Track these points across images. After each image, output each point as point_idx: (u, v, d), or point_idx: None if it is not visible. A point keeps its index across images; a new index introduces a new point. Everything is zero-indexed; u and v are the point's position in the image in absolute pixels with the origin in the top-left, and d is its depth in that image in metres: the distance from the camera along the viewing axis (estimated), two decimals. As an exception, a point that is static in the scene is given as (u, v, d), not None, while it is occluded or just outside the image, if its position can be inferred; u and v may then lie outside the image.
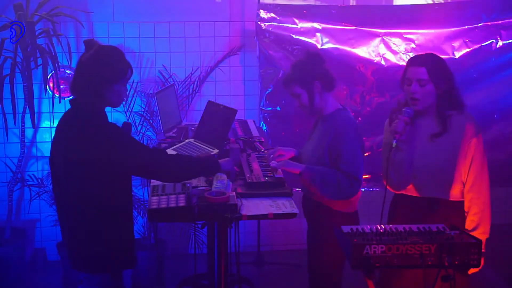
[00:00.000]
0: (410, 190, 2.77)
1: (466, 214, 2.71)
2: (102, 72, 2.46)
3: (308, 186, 2.84)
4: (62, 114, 2.60)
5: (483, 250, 2.61)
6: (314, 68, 2.83)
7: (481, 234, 2.65)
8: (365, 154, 3.40)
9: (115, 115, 4.43)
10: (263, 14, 4.27)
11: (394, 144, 2.63)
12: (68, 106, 2.56)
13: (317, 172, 2.77)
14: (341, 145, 2.76)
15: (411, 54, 4.30)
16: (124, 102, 4.30)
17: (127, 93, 2.84)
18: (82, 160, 2.42)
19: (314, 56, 2.89)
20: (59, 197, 2.60)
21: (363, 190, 3.28)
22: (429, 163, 2.70)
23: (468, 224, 2.69)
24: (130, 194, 2.65)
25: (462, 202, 2.73)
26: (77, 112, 2.51)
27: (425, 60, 2.68)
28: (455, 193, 2.71)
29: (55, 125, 4.44)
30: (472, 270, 2.65)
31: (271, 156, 2.95)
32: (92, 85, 2.46)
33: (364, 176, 2.93)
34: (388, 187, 2.76)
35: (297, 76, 2.83)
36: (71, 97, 2.55)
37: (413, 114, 2.68)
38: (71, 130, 2.49)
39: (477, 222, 2.67)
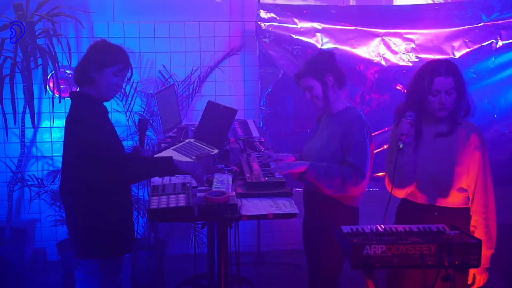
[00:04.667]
0: (413, 196, 2.77)
1: (471, 228, 2.69)
2: (95, 54, 2.60)
3: (313, 182, 2.86)
4: (63, 113, 2.65)
5: (487, 266, 2.61)
6: (327, 62, 2.93)
7: (488, 249, 2.63)
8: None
9: (115, 115, 4.42)
10: (263, 14, 4.27)
11: (401, 145, 2.65)
12: (68, 106, 2.61)
13: (321, 167, 2.82)
14: (351, 138, 2.83)
15: (411, 54, 4.31)
16: (124, 102, 4.31)
17: (122, 90, 2.85)
18: (69, 147, 2.57)
19: (327, 53, 3.03)
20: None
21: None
22: (430, 168, 2.70)
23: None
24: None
25: (464, 209, 2.72)
26: (72, 102, 2.65)
27: (450, 70, 2.69)
28: (456, 201, 2.70)
29: (55, 125, 4.48)
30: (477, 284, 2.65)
31: (274, 165, 2.93)
32: (86, 69, 2.57)
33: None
34: (390, 190, 2.75)
35: (311, 68, 2.92)
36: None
37: (416, 117, 2.70)
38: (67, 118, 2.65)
39: (484, 238, 2.64)
